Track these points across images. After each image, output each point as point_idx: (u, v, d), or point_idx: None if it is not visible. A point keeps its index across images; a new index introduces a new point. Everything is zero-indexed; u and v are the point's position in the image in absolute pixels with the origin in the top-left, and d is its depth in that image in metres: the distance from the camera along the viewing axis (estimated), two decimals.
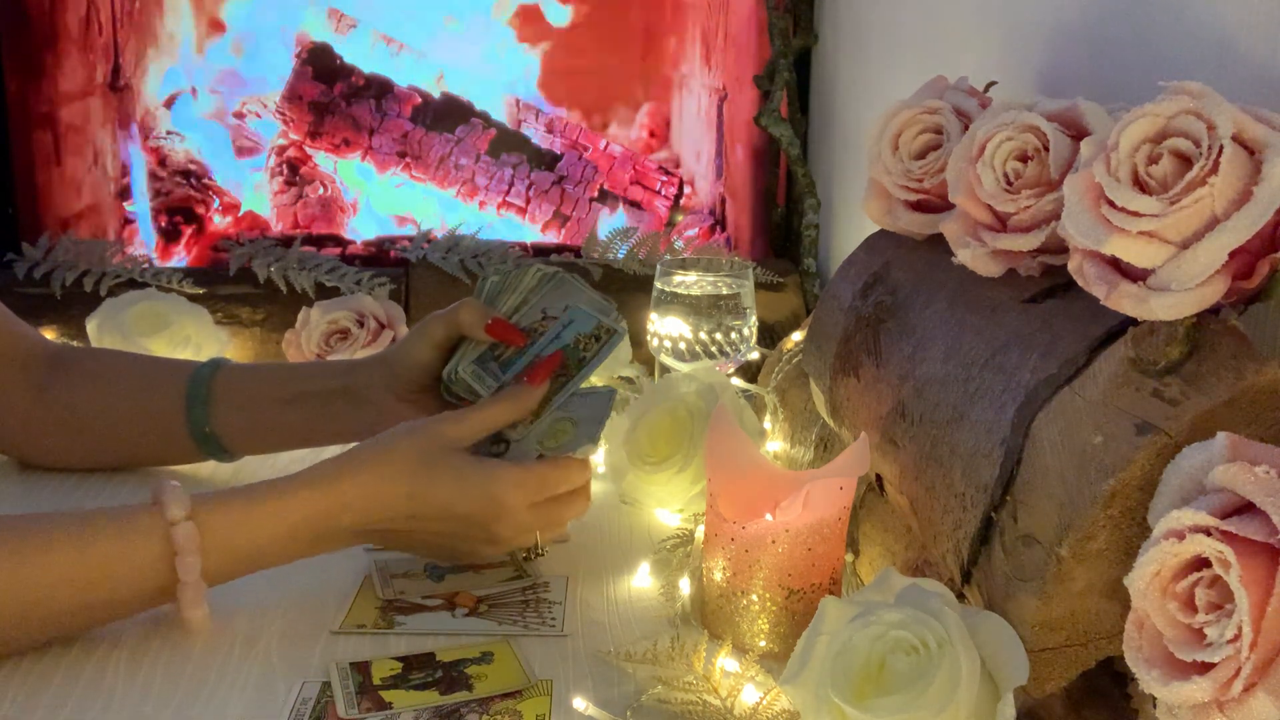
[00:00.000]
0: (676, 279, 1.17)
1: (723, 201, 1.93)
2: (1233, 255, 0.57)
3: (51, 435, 1.04)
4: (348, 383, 0.99)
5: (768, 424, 1.13)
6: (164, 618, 0.81)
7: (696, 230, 1.95)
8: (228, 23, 2.22)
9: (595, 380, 1.27)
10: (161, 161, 2.03)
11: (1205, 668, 0.50)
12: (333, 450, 1.05)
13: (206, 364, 1.02)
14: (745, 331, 1.17)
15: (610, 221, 2.00)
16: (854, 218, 1.43)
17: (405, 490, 0.83)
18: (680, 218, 2.05)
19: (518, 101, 2.14)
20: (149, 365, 1.07)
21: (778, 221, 1.68)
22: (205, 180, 2.04)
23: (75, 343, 1.30)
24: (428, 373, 0.97)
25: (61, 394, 1.03)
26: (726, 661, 0.75)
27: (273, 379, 1.02)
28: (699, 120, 2.09)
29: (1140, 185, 0.59)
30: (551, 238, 2.03)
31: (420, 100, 2.04)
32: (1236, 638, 0.49)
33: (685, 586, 0.87)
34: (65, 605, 0.76)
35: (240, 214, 2.03)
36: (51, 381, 1.03)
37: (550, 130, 2.10)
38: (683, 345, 1.16)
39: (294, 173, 2.03)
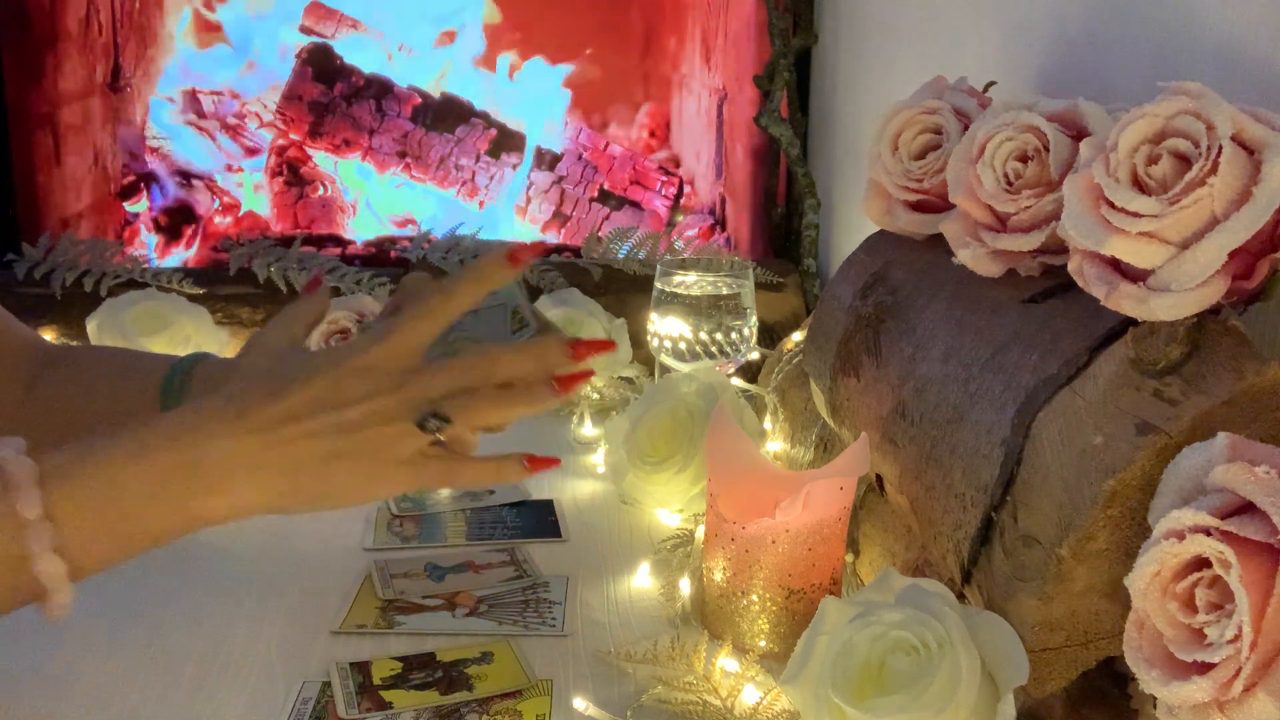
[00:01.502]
0: (676, 279, 1.17)
1: (723, 201, 1.92)
2: (1232, 255, 0.57)
3: (38, 432, 1.03)
4: None
5: (768, 424, 1.13)
6: (165, 618, 0.81)
7: (696, 230, 1.95)
8: (228, 23, 2.21)
9: (598, 381, 1.27)
10: (162, 161, 2.03)
11: (1205, 668, 0.50)
12: None
13: (188, 357, 1.01)
14: (745, 331, 1.17)
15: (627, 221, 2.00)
16: (854, 218, 1.43)
17: (261, 367, 0.76)
18: (680, 218, 2.05)
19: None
20: (128, 358, 1.05)
21: (778, 221, 1.68)
22: (205, 180, 2.04)
23: (75, 343, 1.30)
24: None
25: (47, 391, 1.02)
26: (726, 661, 0.75)
27: None
28: (699, 120, 2.09)
29: (1140, 186, 0.59)
30: (551, 238, 2.03)
31: (420, 100, 2.04)
32: (1236, 638, 0.49)
33: (685, 586, 0.87)
34: None
35: (240, 214, 2.03)
36: (39, 379, 1.02)
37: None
38: (683, 345, 1.16)
39: (294, 173, 2.03)
